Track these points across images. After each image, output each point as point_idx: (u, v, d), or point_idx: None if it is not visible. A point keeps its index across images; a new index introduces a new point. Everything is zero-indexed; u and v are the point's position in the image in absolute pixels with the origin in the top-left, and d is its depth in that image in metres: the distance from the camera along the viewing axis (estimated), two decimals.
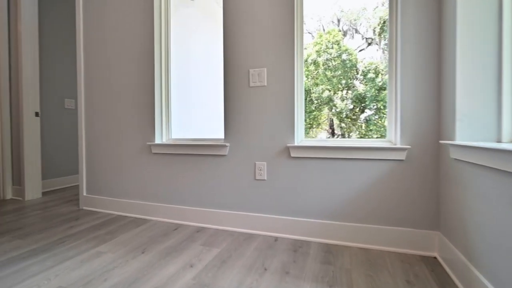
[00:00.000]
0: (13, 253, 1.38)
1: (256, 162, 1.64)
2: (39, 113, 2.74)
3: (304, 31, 1.63)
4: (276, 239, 1.55)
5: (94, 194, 2.21)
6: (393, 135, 1.44)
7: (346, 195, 1.47)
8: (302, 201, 1.55)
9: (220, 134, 1.97)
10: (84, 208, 2.22)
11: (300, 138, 1.61)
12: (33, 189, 2.64)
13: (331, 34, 9.43)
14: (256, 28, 1.63)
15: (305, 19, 1.57)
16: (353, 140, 1.55)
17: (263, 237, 1.58)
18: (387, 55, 1.47)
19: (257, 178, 1.64)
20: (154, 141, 1.94)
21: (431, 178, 1.35)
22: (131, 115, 2.03)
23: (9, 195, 2.67)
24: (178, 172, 1.87)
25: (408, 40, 1.36)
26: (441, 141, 1.18)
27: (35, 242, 1.52)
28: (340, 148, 1.45)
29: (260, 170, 1.62)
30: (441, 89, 1.31)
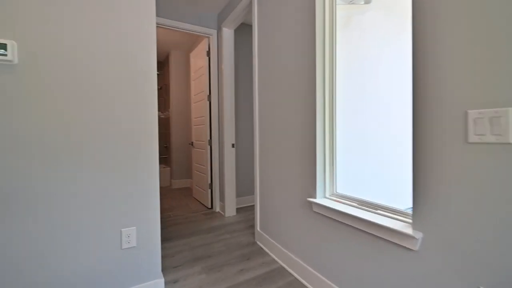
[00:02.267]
0: None
1: None
2: (235, 144, 3.33)
3: None
4: None
5: (264, 232, 2.28)
6: None
7: None
8: None
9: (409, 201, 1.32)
10: (258, 242, 2.36)
11: None
12: (230, 207, 3.25)
13: None
14: (476, 29, 0.85)
15: None
16: None
17: None
18: None
19: None
20: (315, 196, 1.64)
21: None
22: (292, 162, 1.86)
23: (217, 208, 3.46)
24: (340, 243, 1.44)
25: None
26: None
27: (211, 283, 1.71)
28: None
29: None
30: None
